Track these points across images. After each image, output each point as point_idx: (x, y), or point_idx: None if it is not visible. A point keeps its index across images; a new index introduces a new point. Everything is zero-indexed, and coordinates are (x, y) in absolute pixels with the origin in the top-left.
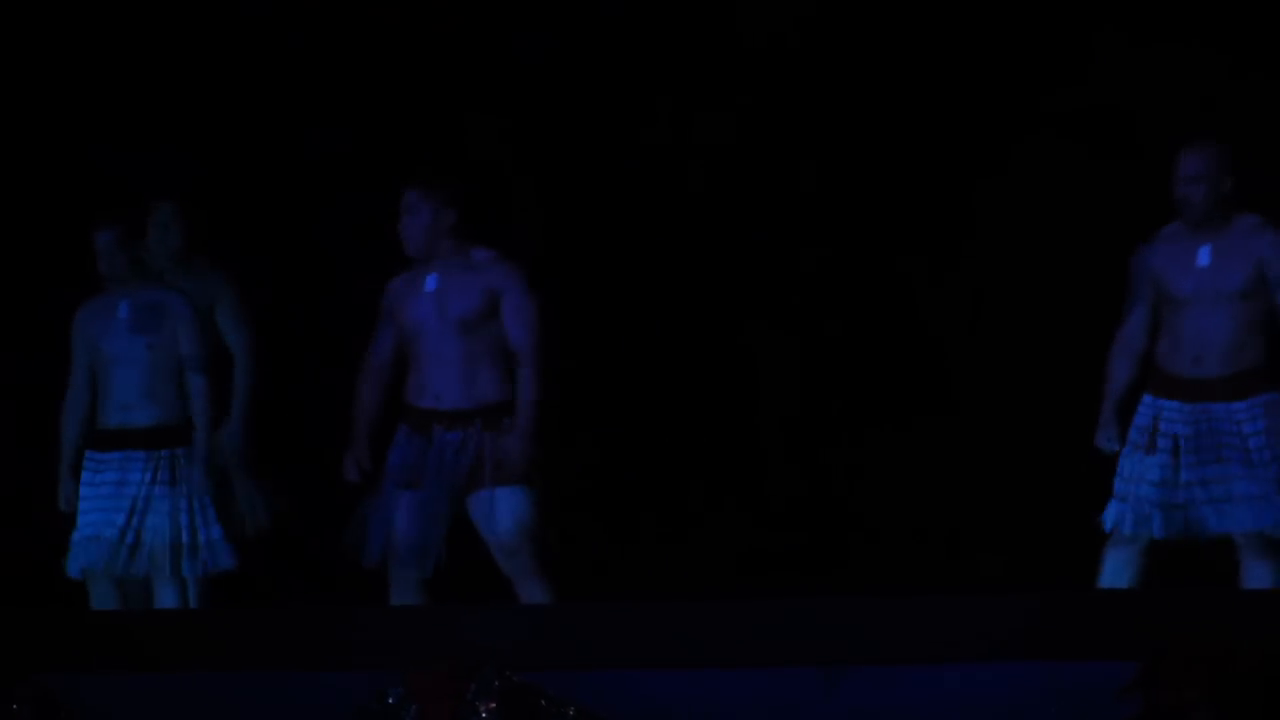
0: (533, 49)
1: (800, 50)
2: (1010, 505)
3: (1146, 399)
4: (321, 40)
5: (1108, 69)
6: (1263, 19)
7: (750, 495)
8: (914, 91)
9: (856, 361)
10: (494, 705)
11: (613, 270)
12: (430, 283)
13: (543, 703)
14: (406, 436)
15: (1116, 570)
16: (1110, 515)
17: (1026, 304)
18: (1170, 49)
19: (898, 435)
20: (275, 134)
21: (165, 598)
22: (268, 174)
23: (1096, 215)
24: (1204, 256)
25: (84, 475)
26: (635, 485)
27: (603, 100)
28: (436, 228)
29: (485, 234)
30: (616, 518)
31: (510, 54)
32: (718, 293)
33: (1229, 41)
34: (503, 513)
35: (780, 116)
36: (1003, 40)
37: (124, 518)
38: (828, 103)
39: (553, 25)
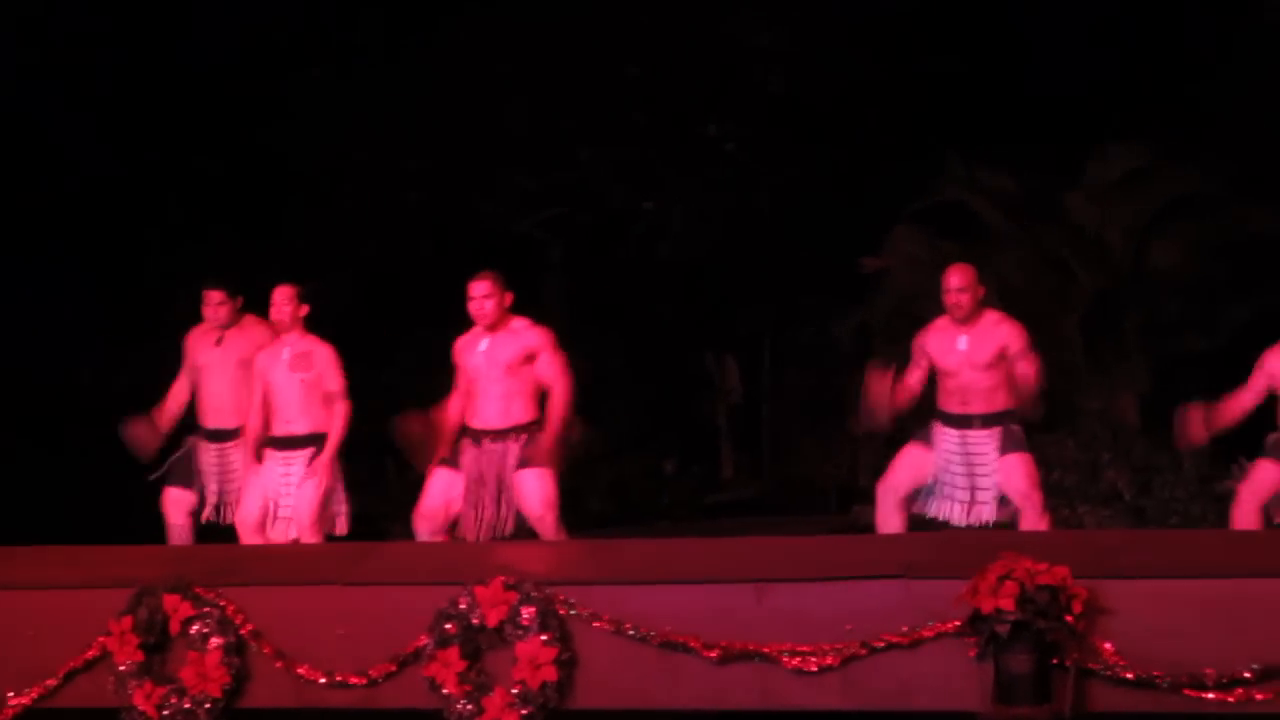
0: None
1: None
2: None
3: (937, 425)
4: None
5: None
6: None
7: (705, 465)
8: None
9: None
10: (532, 610)
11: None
12: (483, 344)
13: (567, 610)
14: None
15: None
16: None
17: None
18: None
19: None
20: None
21: None
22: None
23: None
24: (962, 342)
25: None
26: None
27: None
28: (500, 307)
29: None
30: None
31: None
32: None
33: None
34: (532, 489)
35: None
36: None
37: None
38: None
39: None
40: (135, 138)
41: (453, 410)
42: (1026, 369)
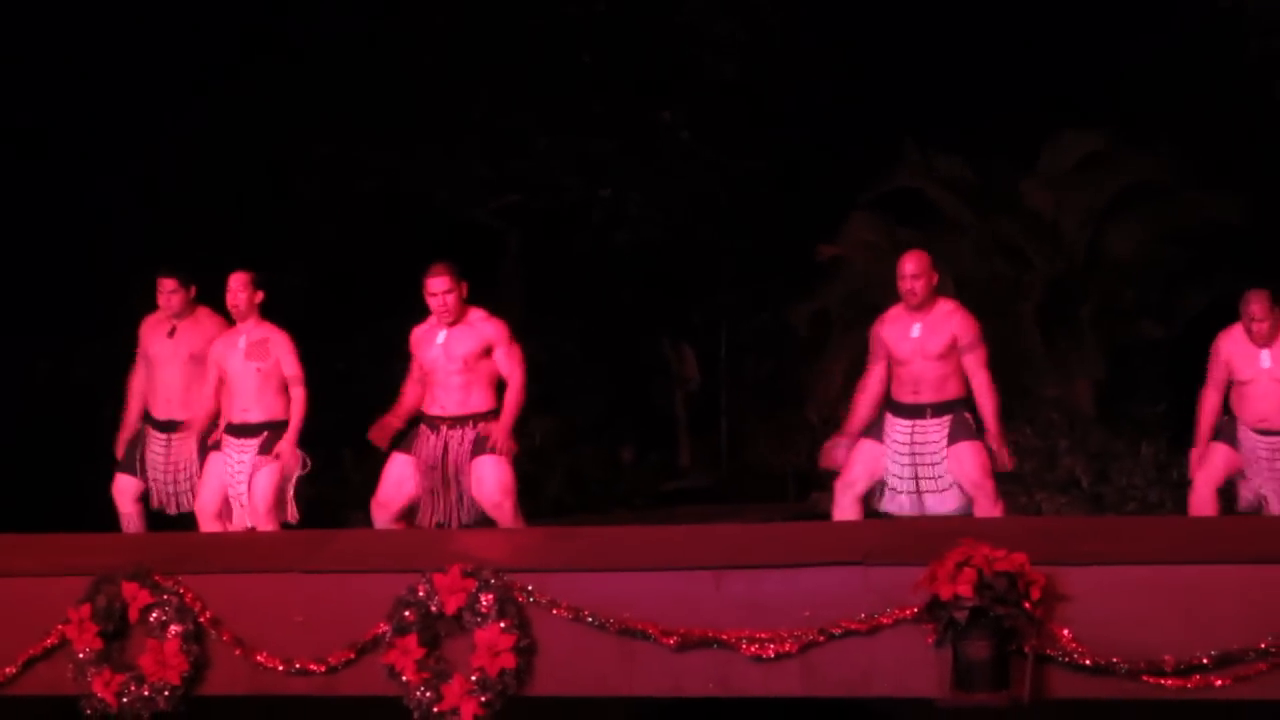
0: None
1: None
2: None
3: (887, 417)
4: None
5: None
6: None
7: (662, 453)
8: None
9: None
10: (491, 597)
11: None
12: (440, 336)
13: (525, 597)
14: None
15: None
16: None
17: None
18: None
19: None
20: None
21: None
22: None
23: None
24: (915, 330)
25: None
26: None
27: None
28: (458, 300)
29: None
30: (567, 473)
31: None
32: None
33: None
34: (490, 476)
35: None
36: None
37: None
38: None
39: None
40: (90, 124)
41: (408, 397)
42: (975, 365)
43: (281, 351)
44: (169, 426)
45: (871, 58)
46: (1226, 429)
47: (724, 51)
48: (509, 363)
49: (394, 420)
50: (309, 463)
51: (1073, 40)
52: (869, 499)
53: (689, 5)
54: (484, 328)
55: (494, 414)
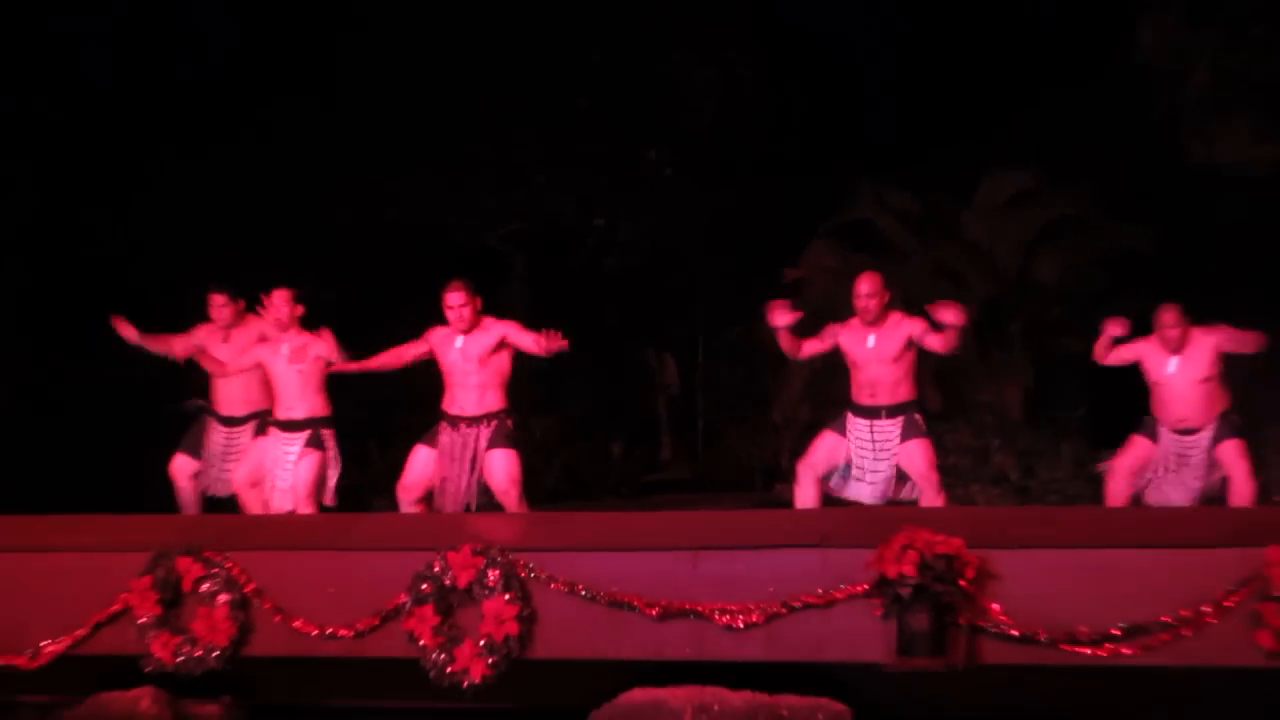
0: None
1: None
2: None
3: (849, 415)
4: None
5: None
6: None
7: (647, 448)
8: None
9: None
10: (498, 572)
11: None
12: (458, 342)
13: (527, 573)
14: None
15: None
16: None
17: None
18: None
19: None
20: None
21: None
22: None
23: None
24: (871, 340)
25: None
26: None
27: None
28: (474, 312)
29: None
30: (564, 466)
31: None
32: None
33: None
34: (499, 467)
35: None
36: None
37: None
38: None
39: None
40: (141, 154)
41: (389, 355)
42: (935, 339)
43: (323, 347)
44: (230, 422)
45: (831, 105)
46: (1149, 427)
47: (702, 99)
48: (523, 335)
49: (350, 366)
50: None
51: (1007, 91)
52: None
53: (672, 58)
54: (495, 327)
55: (505, 413)
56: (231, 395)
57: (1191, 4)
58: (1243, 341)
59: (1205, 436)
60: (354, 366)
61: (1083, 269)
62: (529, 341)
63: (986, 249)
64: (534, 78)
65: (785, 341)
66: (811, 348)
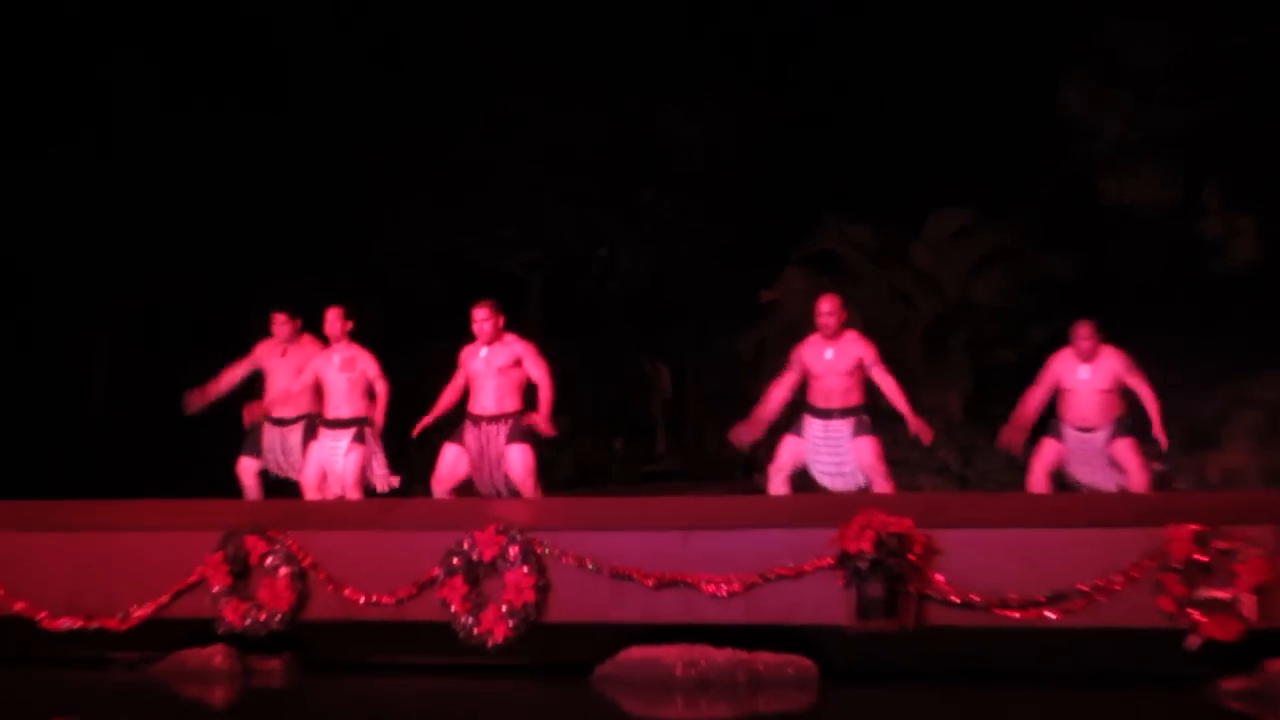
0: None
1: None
2: None
3: (805, 417)
4: None
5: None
6: None
7: (644, 443)
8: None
9: None
10: (517, 549)
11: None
12: (483, 352)
13: (542, 549)
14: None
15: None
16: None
17: None
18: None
19: None
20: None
21: None
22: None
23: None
24: (829, 353)
25: None
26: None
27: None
28: (496, 328)
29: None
30: (574, 459)
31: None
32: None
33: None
34: (517, 460)
35: None
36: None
37: None
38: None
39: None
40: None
41: (446, 397)
42: (882, 375)
43: (367, 364)
44: (281, 422)
45: (802, 152)
46: (1055, 428)
47: (692, 147)
48: (537, 369)
49: (428, 419)
50: (382, 447)
51: (950, 142)
52: (794, 480)
53: (664, 111)
54: (515, 345)
55: (521, 413)
56: (283, 400)
57: (1105, 66)
58: (1143, 391)
59: (1101, 436)
60: (427, 420)
61: (1014, 292)
62: (537, 375)
63: (932, 275)
64: (550, 130)
65: (765, 416)
66: (782, 391)
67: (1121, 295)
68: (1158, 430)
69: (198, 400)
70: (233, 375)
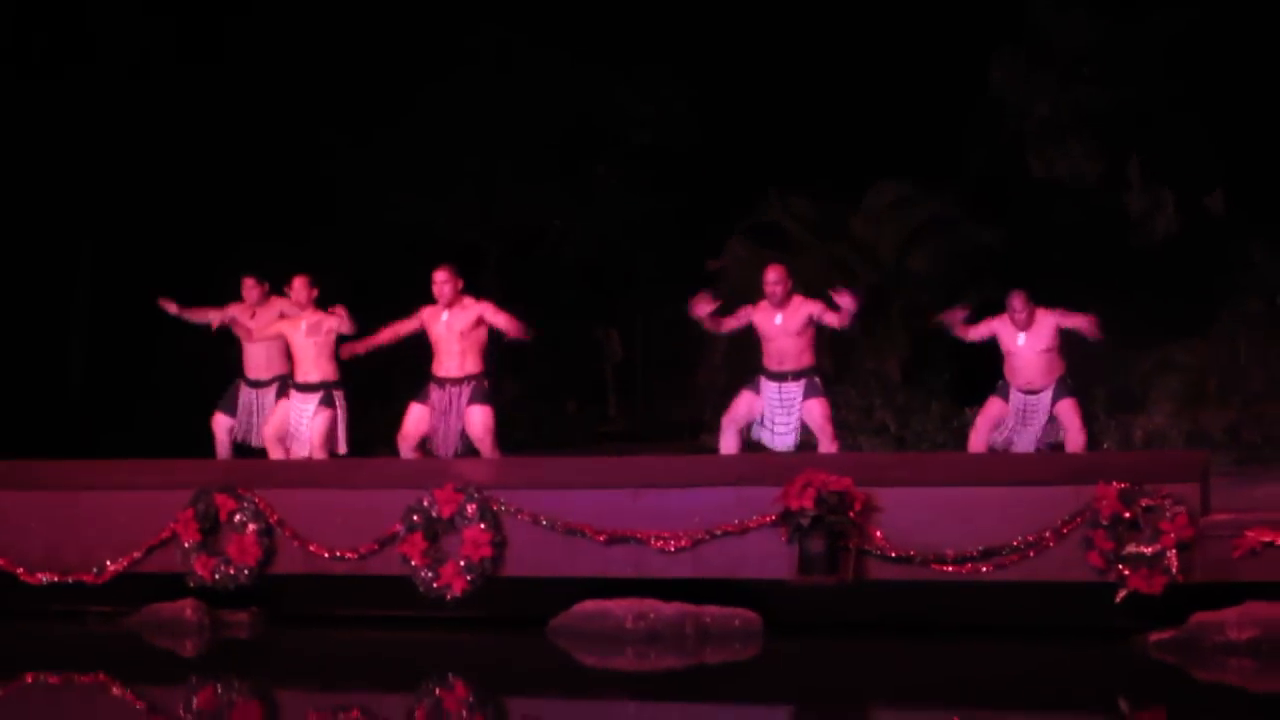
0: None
1: None
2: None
3: (761, 379)
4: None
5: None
6: None
7: (596, 406)
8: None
9: None
10: (475, 506)
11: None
12: (444, 316)
13: (499, 506)
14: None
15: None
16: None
17: None
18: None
19: None
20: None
21: None
22: None
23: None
24: (778, 319)
25: None
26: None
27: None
28: (455, 290)
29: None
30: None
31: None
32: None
33: None
34: (477, 421)
35: None
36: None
37: None
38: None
39: None
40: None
41: (389, 330)
42: (831, 317)
43: (336, 322)
44: (255, 384)
45: (746, 126)
46: (1001, 389)
47: (641, 125)
48: (498, 315)
49: (362, 346)
50: (345, 409)
51: (888, 115)
52: (745, 433)
53: (618, 90)
54: (474, 306)
55: (482, 375)
56: (257, 362)
57: (1033, 48)
58: (1077, 321)
59: (1046, 397)
60: (361, 347)
61: (948, 261)
62: (502, 321)
63: (871, 245)
64: (509, 109)
65: (708, 321)
66: (729, 325)
67: (1050, 265)
68: (1094, 328)
69: (171, 309)
70: (204, 314)
